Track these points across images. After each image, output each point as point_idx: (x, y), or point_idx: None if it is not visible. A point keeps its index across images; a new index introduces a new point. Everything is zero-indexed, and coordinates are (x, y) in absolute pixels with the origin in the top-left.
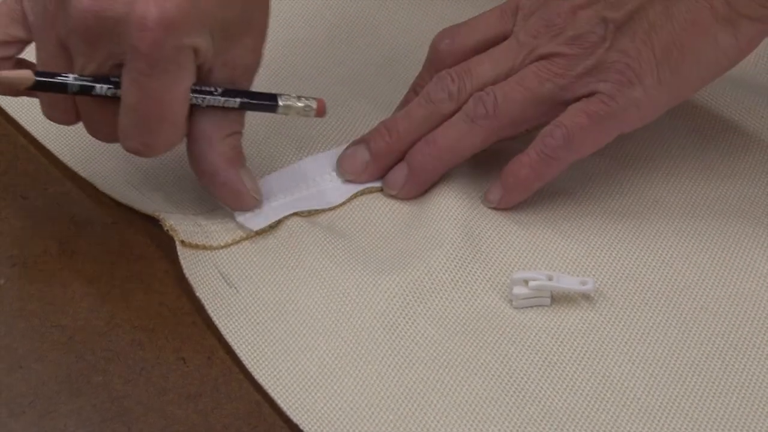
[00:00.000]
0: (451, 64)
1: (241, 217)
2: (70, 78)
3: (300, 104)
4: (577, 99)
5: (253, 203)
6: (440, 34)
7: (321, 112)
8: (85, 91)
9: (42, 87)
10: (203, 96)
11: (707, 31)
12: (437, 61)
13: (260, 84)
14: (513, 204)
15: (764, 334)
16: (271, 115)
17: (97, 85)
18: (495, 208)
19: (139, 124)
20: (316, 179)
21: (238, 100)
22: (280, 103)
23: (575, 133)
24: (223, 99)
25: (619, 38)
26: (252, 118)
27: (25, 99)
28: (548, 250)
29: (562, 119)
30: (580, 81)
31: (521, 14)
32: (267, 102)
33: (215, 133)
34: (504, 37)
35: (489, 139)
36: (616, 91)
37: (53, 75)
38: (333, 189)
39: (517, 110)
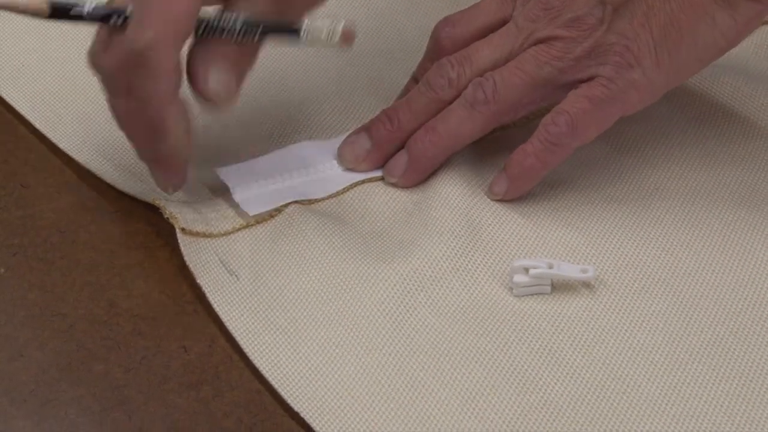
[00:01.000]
0: (451, 52)
1: (238, 196)
2: (86, 7)
3: (324, 28)
4: (577, 82)
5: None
6: (441, 22)
7: (348, 39)
8: (100, 17)
9: (58, 14)
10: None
11: (705, 11)
12: (438, 49)
13: (262, 73)
14: (519, 195)
15: (764, 321)
16: (272, 98)
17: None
18: (501, 200)
19: (133, 134)
20: (317, 167)
21: (260, 27)
22: (304, 27)
23: (578, 118)
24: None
25: (617, 20)
26: (254, 100)
27: (25, 90)
28: (548, 238)
29: (564, 106)
30: (579, 64)
31: None
32: (288, 30)
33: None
34: (504, 23)
35: (489, 124)
36: (615, 74)
37: (69, 5)
38: (334, 177)
39: (516, 94)
